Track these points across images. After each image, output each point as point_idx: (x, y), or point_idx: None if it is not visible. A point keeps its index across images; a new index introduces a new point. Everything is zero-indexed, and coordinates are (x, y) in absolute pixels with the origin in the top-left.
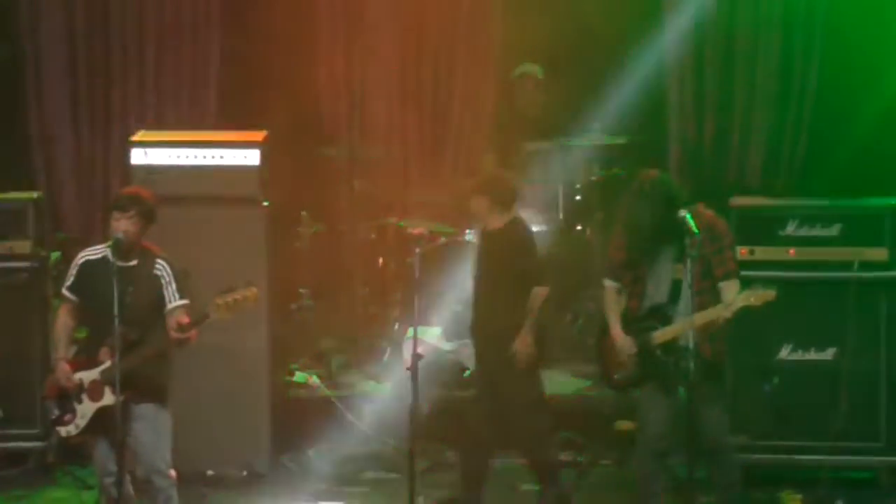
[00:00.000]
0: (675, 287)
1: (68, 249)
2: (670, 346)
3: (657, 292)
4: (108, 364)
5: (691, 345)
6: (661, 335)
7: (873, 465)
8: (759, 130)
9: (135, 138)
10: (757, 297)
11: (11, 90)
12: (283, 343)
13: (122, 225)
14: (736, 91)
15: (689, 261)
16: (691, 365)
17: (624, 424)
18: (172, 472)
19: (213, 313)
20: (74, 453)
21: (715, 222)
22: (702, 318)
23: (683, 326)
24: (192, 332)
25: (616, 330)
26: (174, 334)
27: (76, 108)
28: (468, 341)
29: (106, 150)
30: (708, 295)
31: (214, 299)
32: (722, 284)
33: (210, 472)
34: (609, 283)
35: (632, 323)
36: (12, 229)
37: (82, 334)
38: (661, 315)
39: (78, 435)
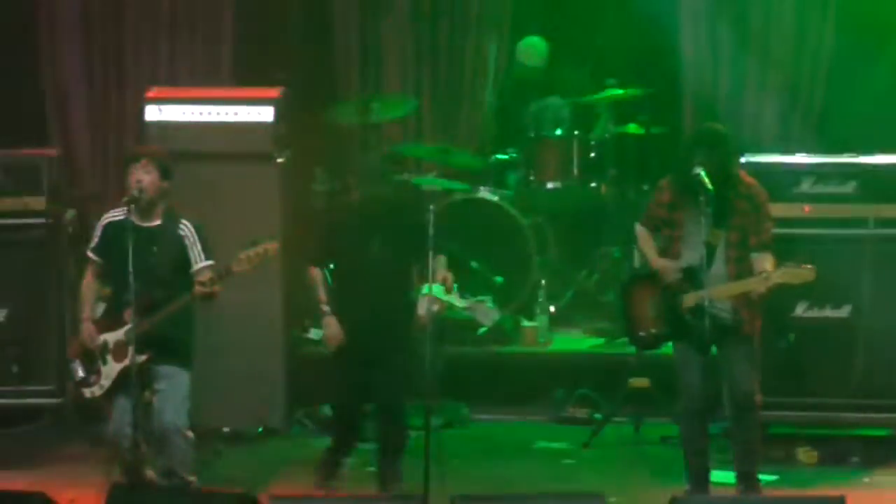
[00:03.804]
0: (710, 251)
1: (83, 206)
2: (700, 310)
3: (692, 254)
4: (132, 325)
5: (725, 310)
6: (691, 298)
7: (889, 422)
8: (775, 86)
9: (149, 94)
10: (795, 275)
11: (25, 44)
12: (297, 300)
13: (138, 175)
14: (751, 46)
15: (703, 219)
16: (721, 327)
17: (638, 381)
18: (190, 433)
19: (235, 267)
20: (90, 411)
21: (757, 191)
22: (736, 287)
23: (716, 292)
24: (216, 288)
25: (656, 259)
26: (198, 289)
27: (90, 62)
28: (483, 298)
29: (120, 106)
30: (744, 263)
31: (237, 254)
32: (755, 256)
33: (225, 429)
34: (641, 229)
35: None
36: (27, 185)
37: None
38: (694, 277)
39: (103, 396)
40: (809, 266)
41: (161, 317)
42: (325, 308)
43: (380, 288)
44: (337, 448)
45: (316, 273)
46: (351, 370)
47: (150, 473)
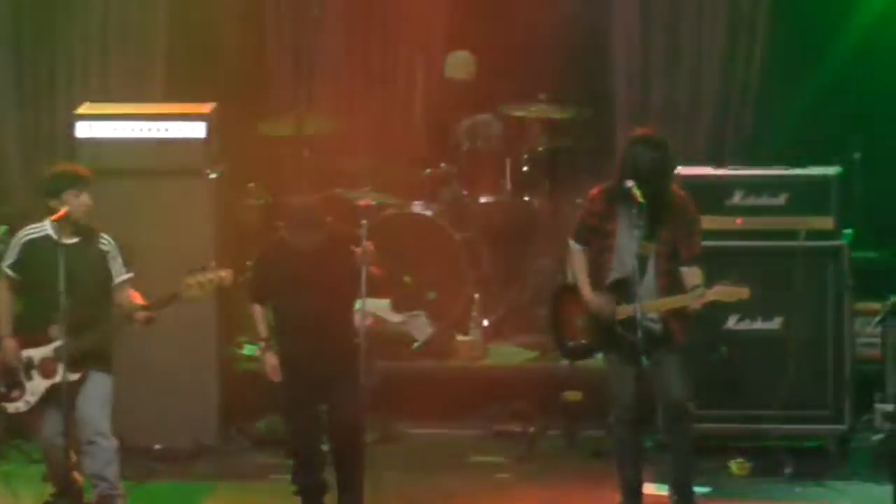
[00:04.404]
0: (641, 263)
1: (14, 223)
2: (632, 322)
3: (623, 265)
4: (61, 342)
5: (655, 323)
6: (623, 311)
7: (821, 434)
8: (706, 100)
9: (80, 111)
10: (730, 293)
11: None
12: (231, 316)
13: (85, 199)
14: (682, 60)
15: (636, 232)
16: (652, 338)
17: (572, 395)
18: (113, 438)
19: (184, 293)
20: (21, 428)
21: (687, 204)
22: (670, 302)
23: (649, 306)
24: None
25: (589, 292)
26: (139, 315)
27: (20, 79)
28: (417, 313)
29: (51, 123)
30: (674, 276)
31: (185, 279)
32: (684, 269)
33: (158, 446)
34: (574, 246)
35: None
36: None
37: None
38: (625, 290)
39: (27, 412)
40: (744, 286)
41: (95, 339)
42: (264, 344)
43: (320, 326)
44: (307, 483)
45: (256, 309)
46: (303, 400)
47: (79, 479)
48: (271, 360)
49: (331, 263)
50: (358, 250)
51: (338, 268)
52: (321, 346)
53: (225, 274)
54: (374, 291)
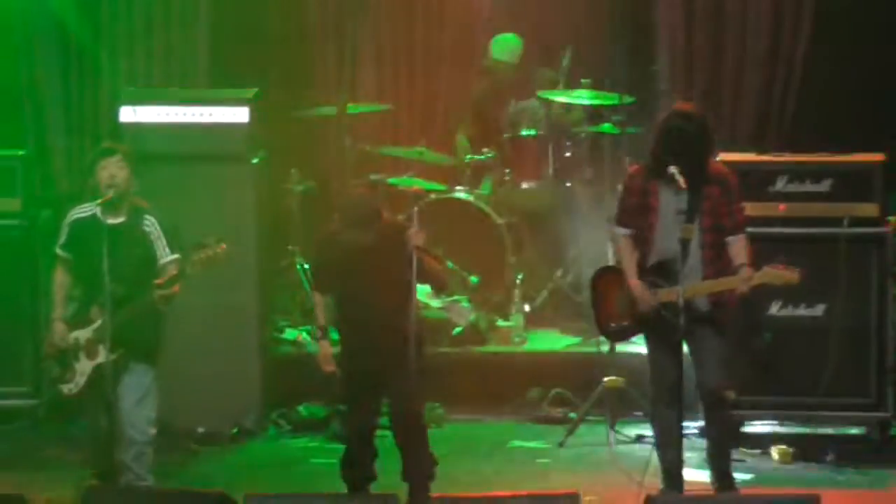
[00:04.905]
0: (684, 246)
1: (59, 207)
2: (674, 305)
3: (666, 246)
4: (100, 322)
5: (702, 304)
6: (667, 294)
7: (863, 421)
8: (750, 86)
9: (123, 96)
10: (779, 276)
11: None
12: (272, 300)
13: (112, 170)
14: (726, 46)
15: (679, 216)
16: (696, 321)
17: (613, 381)
18: (151, 430)
19: (187, 269)
20: (65, 410)
21: (728, 177)
22: (717, 285)
23: (695, 289)
24: (175, 288)
25: (634, 281)
26: (158, 293)
27: (65, 64)
28: (458, 297)
29: (95, 107)
30: (719, 248)
31: (190, 255)
32: (730, 239)
33: (201, 429)
34: (620, 231)
35: (637, 274)
36: (2, 187)
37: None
38: (668, 272)
39: (78, 392)
40: (795, 269)
41: (125, 316)
42: (320, 332)
43: (377, 320)
44: (358, 472)
45: (317, 297)
46: (362, 395)
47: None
48: (326, 349)
49: (386, 257)
50: (410, 232)
51: (393, 261)
52: (379, 340)
53: (221, 249)
54: (431, 283)
